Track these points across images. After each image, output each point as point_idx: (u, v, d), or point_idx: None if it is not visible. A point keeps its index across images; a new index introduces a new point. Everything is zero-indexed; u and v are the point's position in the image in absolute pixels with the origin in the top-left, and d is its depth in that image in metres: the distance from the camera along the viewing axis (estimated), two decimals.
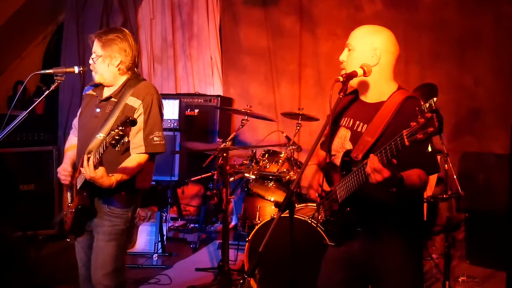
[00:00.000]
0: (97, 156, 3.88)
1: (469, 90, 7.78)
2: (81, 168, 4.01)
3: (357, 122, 3.57)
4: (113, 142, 3.62)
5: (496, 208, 6.65)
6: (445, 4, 7.85)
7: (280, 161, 6.35)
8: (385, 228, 3.43)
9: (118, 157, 4.10)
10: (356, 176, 3.26)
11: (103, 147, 3.81)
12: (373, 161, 3.04)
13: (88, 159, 3.91)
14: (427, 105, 2.79)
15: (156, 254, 7.03)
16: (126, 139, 3.67)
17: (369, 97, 3.58)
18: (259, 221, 6.02)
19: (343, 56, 3.62)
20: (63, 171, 4.30)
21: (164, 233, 7.39)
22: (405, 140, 2.86)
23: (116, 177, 4.01)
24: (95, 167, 3.88)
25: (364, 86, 3.56)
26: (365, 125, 3.49)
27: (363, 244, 3.48)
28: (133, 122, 3.71)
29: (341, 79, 3.35)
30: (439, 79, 7.27)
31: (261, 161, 6.44)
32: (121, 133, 3.60)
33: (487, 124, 7.66)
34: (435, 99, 2.78)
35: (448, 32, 7.83)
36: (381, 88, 3.53)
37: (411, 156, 3.12)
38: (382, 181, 3.04)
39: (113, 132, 3.62)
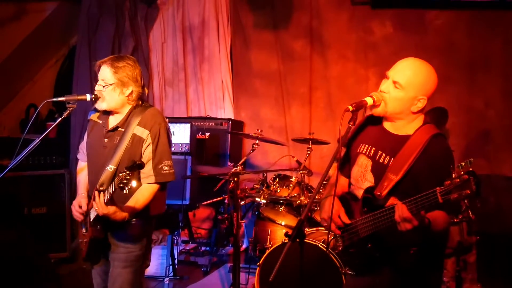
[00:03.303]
0: (108, 195, 3.91)
1: (479, 113, 7.80)
2: (93, 203, 4.04)
3: (379, 152, 3.54)
4: (121, 185, 3.65)
5: (507, 231, 6.63)
6: (454, 27, 7.89)
7: (291, 185, 6.38)
8: (408, 265, 3.43)
9: None
10: (381, 218, 3.28)
11: (113, 188, 3.84)
12: (403, 211, 3.05)
13: (99, 194, 3.94)
14: (463, 164, 2.78)
15: (168, 278, 7.01)
16: (134, 184, 3.69)
17: (395, 128, 3.54)
18: (270, 245, 6.03)
19: (386, 88, 3.46)
20: (78, 208, 4.29)
21: (176, 256, 7.39)
22: (439, 198, 2.87)
23: (128, 210, 4.04)
24: (106, 203, 3.91)
25: (393, 117, 3.51)
26: (388, 157, 3.47)
27: (385, 279, 3.48)
28: (140, 166, 3.77)
29: (350, 108, 3.32)
30: (449, 102, 7.30)
31: (272, 185, 6.46)
32: (128, 177, 3.63)
33: (498, 147, 7.67)
34: (472, 159, 2.77)
35: (457, 55, 7.86)
36: (410, 123, 3.49)
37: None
38: (410, 229, 3.06)
39: (121, 175, 3.65)
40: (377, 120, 3.63)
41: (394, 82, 3.42)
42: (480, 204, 6.54)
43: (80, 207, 4.28)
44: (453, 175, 2.79)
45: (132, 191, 3.95)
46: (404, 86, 3.39)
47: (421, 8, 8.02)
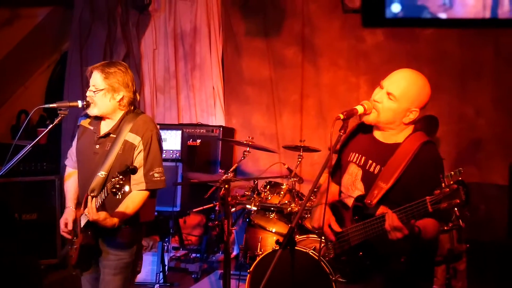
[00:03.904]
0: (99, 200, 3.90)
1: (470, 121, 7.83)
2: (83, 210, 4.04)
3: (369, 161, 3.54)
4: (114, 190, 3.65)
5: (497, 239, 6.65)
6: (445, 36, 7.91)
7: (282, 192, 6.37)
8: (398, 273, 3.44)
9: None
10: (372, 227, 3.28)
11: (105, 193, 3.83)
12: (393, 220, 3.06)
13: (91, 199, 3.93)
14: (452, 173, 2.80)
15: (158, 285, 7.01)
16: (127, 188, 3.70)
17: (384, 137, 3.55)
18: (260, 252, 6.03)
19: (380, 98, 3.46)
20: (65, 228, 4.29)
21: (166, 263, 7.37)
22: (429, 207, 2.88)
23: (118, 216, 4.03)
24: (97, 209, 3.91)
25: (385, 127, 3.52)
26: (378, 166, 3.48)
27: (376, 287, 3.48)
28: (133, 171, 3.76)
29: (341, 116, 3.32)
30: (440, 110, 7.32)
31: (263, 193, 6.46)
32: (121, 182, 3.63)
33: (488, 155, 7.70)
34: (461, 169, 2.78)
35: (448, 64, 7.88)
36: (400, 132, 3.50)
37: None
38: (401, 238, 3.07)
39: (113, 179, 3.65)
40: (367, 128, 3.64)
41: (388, 93, 3.42)
42: (470, 213, 6.56)
43: (66, 225, 4.28)
44: (443, 184, 2.81)
45: (125, 196, 3.95)
46: (398, 98, 3.39)
47: (412, 27, 8.02)
